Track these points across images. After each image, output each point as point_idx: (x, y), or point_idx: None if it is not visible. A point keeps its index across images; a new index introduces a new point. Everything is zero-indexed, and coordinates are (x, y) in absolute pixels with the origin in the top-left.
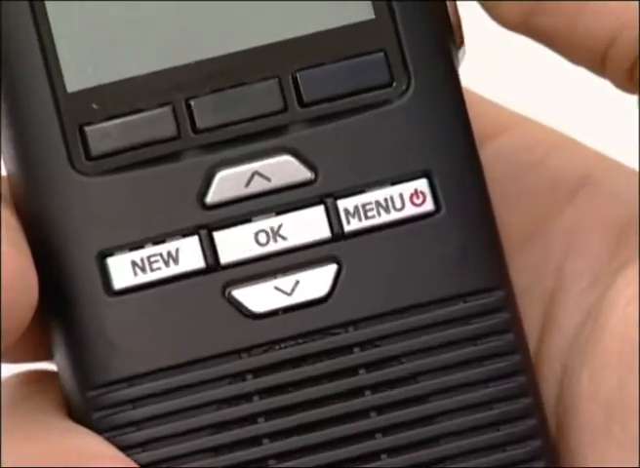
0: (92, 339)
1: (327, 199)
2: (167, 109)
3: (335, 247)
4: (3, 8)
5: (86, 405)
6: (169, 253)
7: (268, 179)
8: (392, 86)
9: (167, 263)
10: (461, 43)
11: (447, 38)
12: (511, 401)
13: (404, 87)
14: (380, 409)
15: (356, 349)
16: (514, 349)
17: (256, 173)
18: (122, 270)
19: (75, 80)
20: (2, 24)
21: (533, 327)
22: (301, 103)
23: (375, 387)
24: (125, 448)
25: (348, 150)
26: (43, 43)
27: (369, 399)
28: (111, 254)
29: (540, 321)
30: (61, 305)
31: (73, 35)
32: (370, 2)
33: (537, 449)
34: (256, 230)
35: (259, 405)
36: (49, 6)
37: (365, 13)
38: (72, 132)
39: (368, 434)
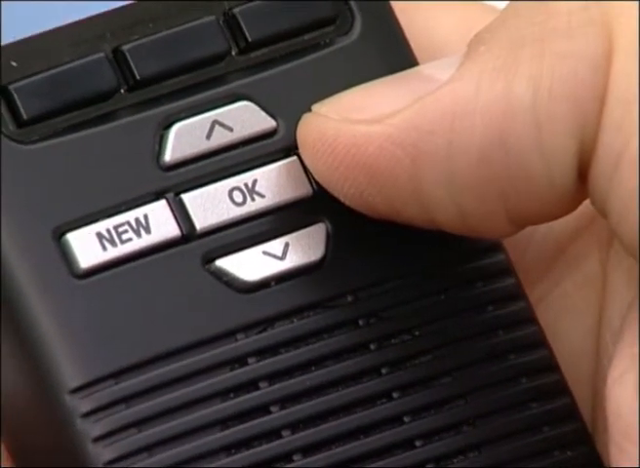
0: (61, 333)
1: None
2: (100, 57)
3: (319, 204)
4: None
5: (64, 413)
6: (138, 222)
7: (230, 129)
8: (336, 22)
9: (138, 233)
10: None
11: None
12: (538, 375)
13: (348, 23)
14: (403, 389)
15: (362, 321)
16: (531, 317)
17: (216, 122)
18: (87, 246)
19: None
20: None
21: None
22: (246, 41)
23: (392, 364)
24: (128, 455)
25: (302, 94)
26: None
27: (387, 378)
28: (70, 230)
29: None
30: (13, 300)
31: None
32: None
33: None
34: (229, 189)
35: (270, 392)
36: None
37: None
38: None
39: (394, 419)
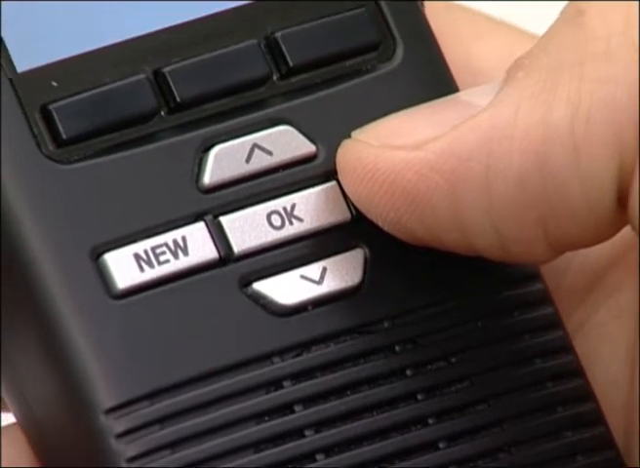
0: (97, 353)
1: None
2: (141, 79)
3: (358, 229)
4: None
5: (99, 433)
6: (176, 243)
7: (270, 153)
8: (378, 48)
9: (175, 255)
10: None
11: None
12: (574, 404)
13: (390, 49)
14: (439, 415)
15: (398, 347)
16: (568, 346)
17: (255, 145)
18: (125, 266)
19: (25, 59)
20: None
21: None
22: (287, 66)
23: (428, 390)
24: None
25: (343, 119)
26: None
27: (423, 404)
28: (108, 250)
29: None
30: (50, 319)
31: (16, 10)
32: None
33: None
34: (267, 212)
35: (305, 415)
36: None
37: None
38: (34, 114)
39: (429, 445)
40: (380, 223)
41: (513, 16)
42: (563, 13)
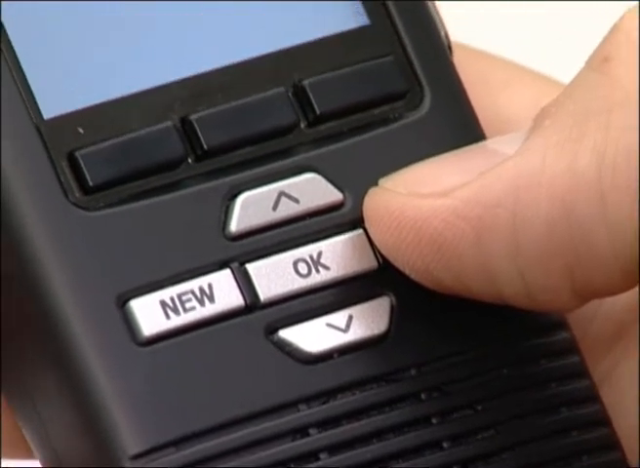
0: (123, 399)
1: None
2: (168, 126)
3: (384, 277)
4: None
5: None
6: (202, 290)
7: (297, 201)
8: (406, 96)
9: (201, 302)
10: (451, 48)
11: (445, 42)
12: (600, 453)
13: (418, 97)
14: (464, 464)
15: (424, 395)
16: (594, 395)
17: (282, 193)
18: (151, 313)
19: (52, 106)
20: None
21: None
22: (315, 114)
23: (454, 438)
24: None
25: (370, 168)
26: (11, 69)
27: (448, 452)
28: (134, 297)
29: None
30: (76, 365)
31: (43, 56)
32: (363, 7)
33: None
34: (294, 260)
35: (331, 463)
36: (8, 26)
37: (360, 19)
38: (61, 161)
39: None
40: (406, 271)
41: (513, 16)
42: (589, 60)
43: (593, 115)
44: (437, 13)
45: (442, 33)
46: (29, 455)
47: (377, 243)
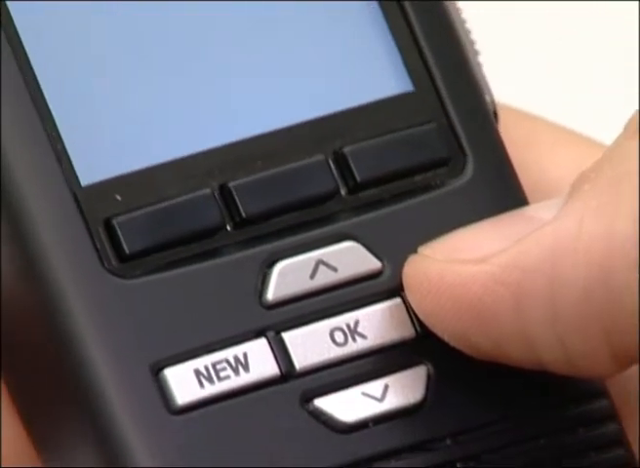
0: None
1: (404, 292)
2: (206, 193)
3: (421, 346)
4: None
5: None
6: (236, 359)
7: (335, 269)
8: (448, 163)
9: (236, 371)
10: (496, 114)
11: (490, 108)
12: None
13: (460, 164)
14: None
15: (460, 465)
16: (632, 464)
17: (320, 262)
18: (185, 382)
19: (89, 172)
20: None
21: None
22: (355, 181)
23: None
24: None
25: (410, 235)
26: (49, 134)
27: None
28: (169, 365)
29: None
30: (109, 433)
31: (80, 120)
32: (407, 73)
33: None
34: (330, 329)
35: None
36: (46, 88)
37: (403, 85)
38: (97, 228)
39: None
40: (445, 337)
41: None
42: (624, 130)
43: (629, 181)
44: (483, 77)
45: (487, 98)
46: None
47: (415, 309)
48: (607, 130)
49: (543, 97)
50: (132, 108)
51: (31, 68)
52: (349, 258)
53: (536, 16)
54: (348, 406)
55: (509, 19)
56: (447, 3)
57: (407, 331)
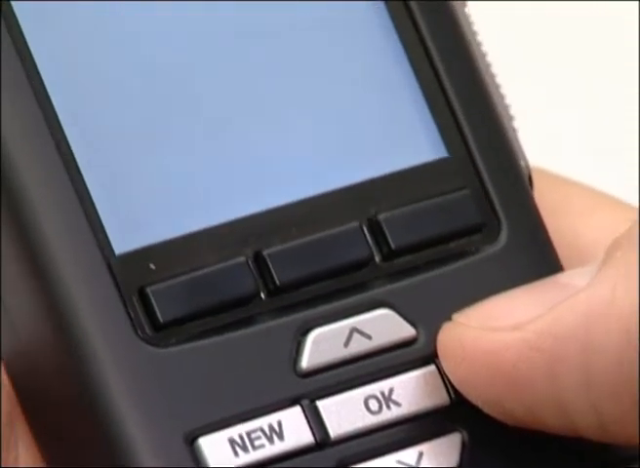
0: None
1: (438, 359)
2: (241, 261)
3: (456, 413)
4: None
5: None
6: (271, 428)
7: (369, 337)
8: (482, 230)
9: (270, 439)
10: (531, 179)
11: (524, 173)
12: None
13: (495, 231)
14: None
15: None
16: None
17: (354, 329)
18: (219, 451)
19: (123, 241)
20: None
21: None
22: (390, 249)
23: None
24: None
25: (445, 302)
26: (82, 202)
27: None
28: (203, 434)
29: None
30: None
31: (113, 189)
32: (442, 139)
33: None
34: (365, 396)
35: None
36: (79, 157)
37: (438, 151)
38: (131, 296)
39: None
40: (479, 404)
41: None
42: None
43: None
44: (518, 142)
45: (522, 163)
46: None
47: (449, 376)
48: (607, 130)
49: (543, 96)
50: (165, 174)
51: (64, 135)
52: (383, 326)
53: (535, 15)
54: None
55: (509, 20)
56: (481, 66)
57: (441, 399)
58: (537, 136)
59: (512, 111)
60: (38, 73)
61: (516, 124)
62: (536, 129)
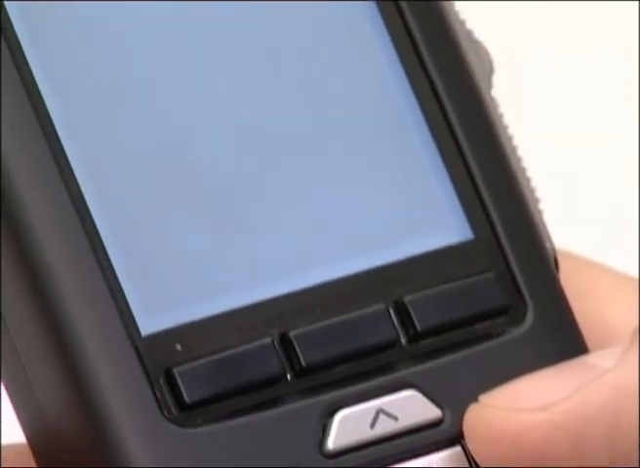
0: None
1: (464, 441)
2: (267, 343)
3: None
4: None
5: None
6: None
7: (395, 418)
8: (508, 312)
9: None
10: (557, 261)
11: (550, 255)
12: None
13: (521, 313)
14: None
15: None
16: None
17: (381, 411)
18: None
19: (149, 322)
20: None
21: None
22: (416, 330)
23: None
24: None
25: (471, 384)
26: (108, 283)
27: None
28: None
29: None
30: None
31: (139, 270)
32: (467, 220)
33: None
34: None
35: None
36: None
37: (464, 233)
38: (158, 377)
39: None
40: None
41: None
42: None
43: None
44: (543, 224)
45: (548, 246)
46: None
47: (475, 457)
48: (607, 130)
49: (543, 94)
50: (191, 254)
51: (89, 213)
52: (410, 407)
53: (535, 15)
54: None
55: (509, 20)
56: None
57: None
58: (537, 138)
59: (536, 191)
60: (52, 125)
61: (516, 124)
62: (535, 130)
